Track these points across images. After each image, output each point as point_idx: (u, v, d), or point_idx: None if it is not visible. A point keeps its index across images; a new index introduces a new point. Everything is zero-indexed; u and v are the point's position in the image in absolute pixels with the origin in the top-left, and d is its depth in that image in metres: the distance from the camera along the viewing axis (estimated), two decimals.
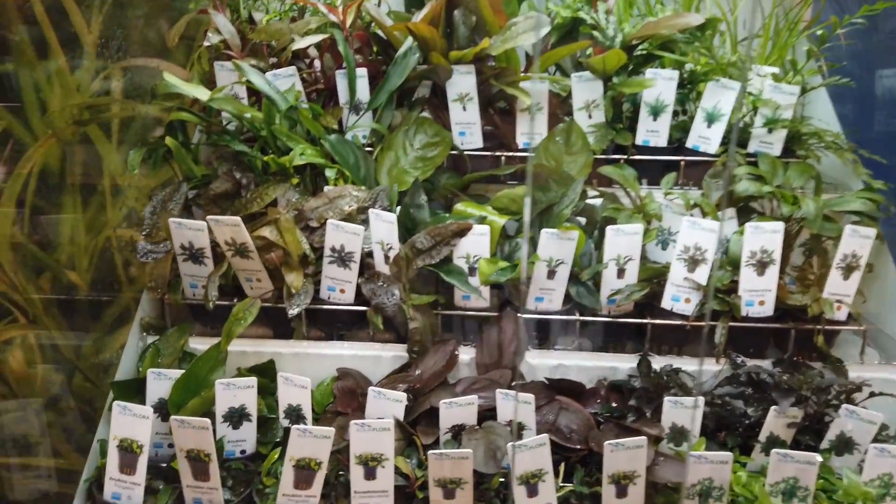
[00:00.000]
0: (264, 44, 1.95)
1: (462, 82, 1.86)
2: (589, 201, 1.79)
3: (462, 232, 1.59)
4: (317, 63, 2.05)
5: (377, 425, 1.34)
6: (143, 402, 1.50)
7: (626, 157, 1.92)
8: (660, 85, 1.84)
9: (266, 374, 1.64)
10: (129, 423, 1.38)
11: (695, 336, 1.67)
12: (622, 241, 1.61)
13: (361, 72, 1.87)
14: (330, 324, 1.71)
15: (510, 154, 1.93)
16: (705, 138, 1.93)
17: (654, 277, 1.66)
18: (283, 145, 1.75)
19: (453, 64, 1.81)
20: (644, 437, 1.34)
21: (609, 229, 1.60)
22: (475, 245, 1.61)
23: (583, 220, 1.78)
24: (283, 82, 1.84)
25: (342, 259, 1.62)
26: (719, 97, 1.89)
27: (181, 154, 1.67)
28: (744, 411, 1.52)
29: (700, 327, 1.64)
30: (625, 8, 2.03)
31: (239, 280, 1.66)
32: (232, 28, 1.84)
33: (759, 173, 1.82)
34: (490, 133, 1.99)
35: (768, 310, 1.62)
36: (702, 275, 1.63)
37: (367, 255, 1.68)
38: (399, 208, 1.77)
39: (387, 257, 1.65)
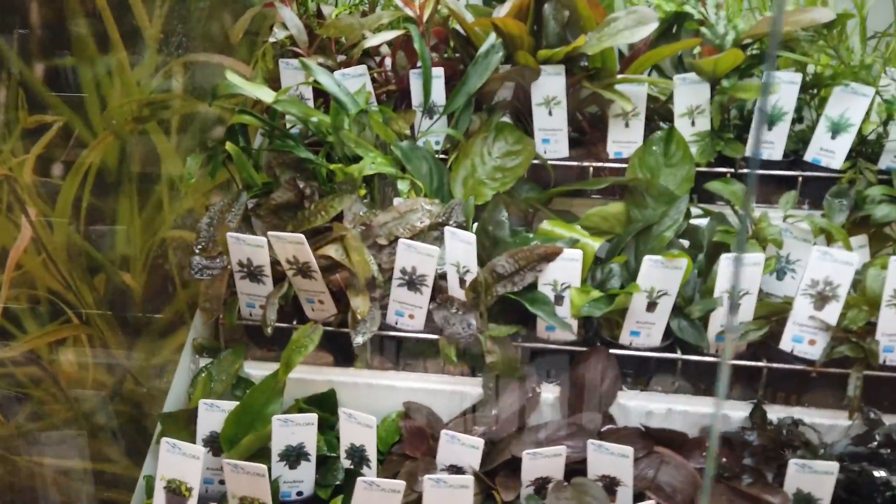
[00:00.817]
0: (332, 40, 1.79)
1: (550, 84, 1.66)
2: (692, 221, 1.57)
3: (550, 256, 1.39)
4: (387, 61, 1.89)
5: (454, 482, 1.16)
6: (193, 434, 1.37)
7: (733, 170, 1.69)
8: (779, 89, 1.60)
9: (325, 405, 1.48)
10: (179, 462, 1.24)
11: (819, 384, 1.44)
12: (738, 272, 1.39)
13: (437, 72, 1.70)
14: (395, 351, 1.54)
15: (599, 165, 1.73)
16: (828, 151, 1.68)
17: (774, 314, 1.43)
18: (350, 152, 1.59)
19: (541, 64, 1.62)
20: None
21: (724, 259, 1.37)
22: (564, 271, 1.41)
23: (685, 242, 1.56)
24: (353, 83, 1.68)
25: (413, 282, 1.45)
26: (847, 104, 1.63)
27: (242, 160, 1.53)
28: (885, 479, 1.28)
29: (826, 374, 1.41)
30: (736, 1, 1.80)
31: (299, 300, 1.51)
32: (299, 23, 1.69)
33: (889, 192, 1.56)
34: (576, 141, 1.78)
35: None
36: (831, 313, 1.39)
37: (440, 278, 1.50)
38: (476, 225, 1.58)
39: (462, 281, 1.47)
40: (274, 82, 1.78)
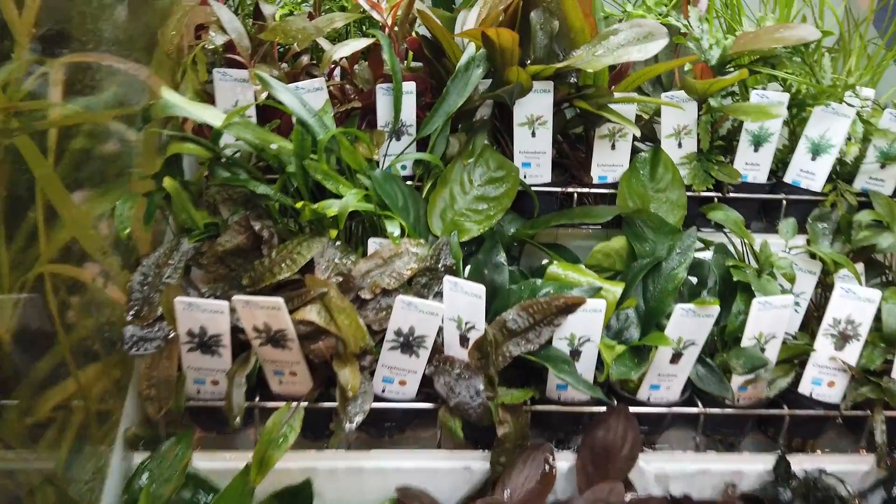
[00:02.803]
0: (275, 46, 1.49)
1: (536, 102, 1.48)
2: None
3: (571, 308, 1.21)
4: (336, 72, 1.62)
5: None
6: None
7: (720, 195, 1.60)
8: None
9: (298, 500, 1.22)
10: None
11: (833, 426, 1.37)
12: (768, 316, 1.28)
13: (409, 86, 1.46)
14: (379, 424, 1.30)
15: (584, 190, 1.57)
16: (808, 173, 1.63)
17: (796, 357, 1.35)
18: (315, 186, 1.32)
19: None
20: None
21: (756, 303, 1.26)
22: (584, 323, 1.23)
23: (692, 278, 1.44)
24: (310, 98, 1.40)
25: (409, 345, 1.22)
26: (828, 125, 1.58)
27: (182, 199, 1.21)
28: None
29: (846, 419, 1.34)
30: (722, 13, 1.70)
31: (263, 370, 1.23)
32: (240, 26, 1.38)
33: (878, 217, 1.53)
34: (555, 163, 1.61)
35: None
36: (852, 354, 1.32)
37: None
38: (468, 268, 1.37)
39: (464, 338, 1.26)
40: (205, 98, 1.45)
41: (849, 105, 1.57)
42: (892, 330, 1.33)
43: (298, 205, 1.26)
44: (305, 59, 1.52)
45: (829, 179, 1.62)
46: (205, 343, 1.17)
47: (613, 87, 1.53)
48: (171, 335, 1.17)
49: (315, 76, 1.51)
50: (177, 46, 1.36)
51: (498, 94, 1.41)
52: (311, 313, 1.14)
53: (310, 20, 1.54)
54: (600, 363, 1.28)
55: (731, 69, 1.63)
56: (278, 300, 1.08)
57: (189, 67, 1.35)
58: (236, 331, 1.18)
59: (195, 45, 1.39)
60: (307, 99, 1.39)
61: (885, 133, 1.58)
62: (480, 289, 1.20)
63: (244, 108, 1.22)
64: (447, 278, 1.23)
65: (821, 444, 1.40)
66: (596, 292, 1.24)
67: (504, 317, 1.23)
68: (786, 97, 1.55)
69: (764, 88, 1.61)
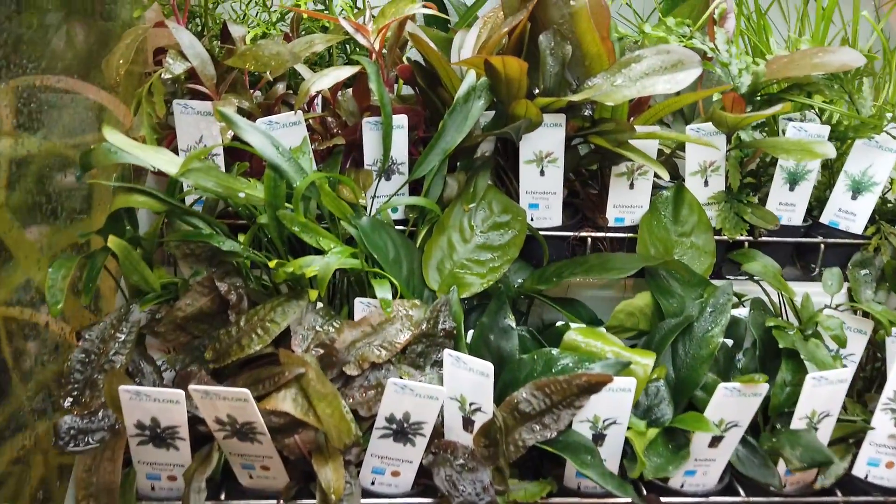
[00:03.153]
0: (246, 71, 1.30)
1: (545, 137, 1.29)
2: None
3: (595, 388, 1.02)
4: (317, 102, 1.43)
5: None
6: None
7: (751, 238, 1.42)
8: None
9: None
10: None
11: None
12: (822, 392, 1.09)
13: (400, 120, 1.27)
14: None
15: (600, 235, 1.39)
16: (848, 213, 1.45)
17: (851, 436, 1.17)
18: (293, 236, 1.13)
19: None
20: None
21: (810, 379, 1.07)
22: (610, 404, 1.05)
23: (728, 340, 1.26)
24: (286, 134, 1.21)
25: (404, 432, 1.03)
26: (871, 160, 1.41)
27: (132, 260, 1.02)
28: None
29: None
30: (747, 32, 1.53)
31: (229, 462, 1.03)
32: (203, 51, 1.19)
33: None
34: (565, 203, 1.43)
35: None
36: None
37: None
38: (471, 333, 1.18)
39: (468, 421, 1.07)
40: (164, 130, 1.26)
41: (894, 138, 1.40)
42: None
43: (272, 263, 1.07)
44: (281, 87, 1.33)
45: (872, 220, 1.44)
46: (158, 436, 0.97)
47: (633, 118, 1.36)
48: (118, 424, 0.97)
49: (292, 106, 1.33)
50: (128, 76, 1.16)
51: (504, 132, 1.22)
52: (286, 402, 0.95)
53: (286, 42, 1.35)
54: (628, 443, 1.09)
55: (761, 96, 1.46)
56: (244, 392, 0.89)
57: (144, 99, 1.16)
58: (196, 420, 0.98)
59: (154, 73, 1.20)
60: (283, 135, 1.21)
61: None
62: (488, 367, 1.01)
63: (204, 151, 1.03)
64: (448, 353, 1.04)
65: None
66: (624, 367, 1.05)
67: (516, 397, 1.04)
68: (826, 129, 1.38)
69: (802, 120, 1.44)
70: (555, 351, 1.11)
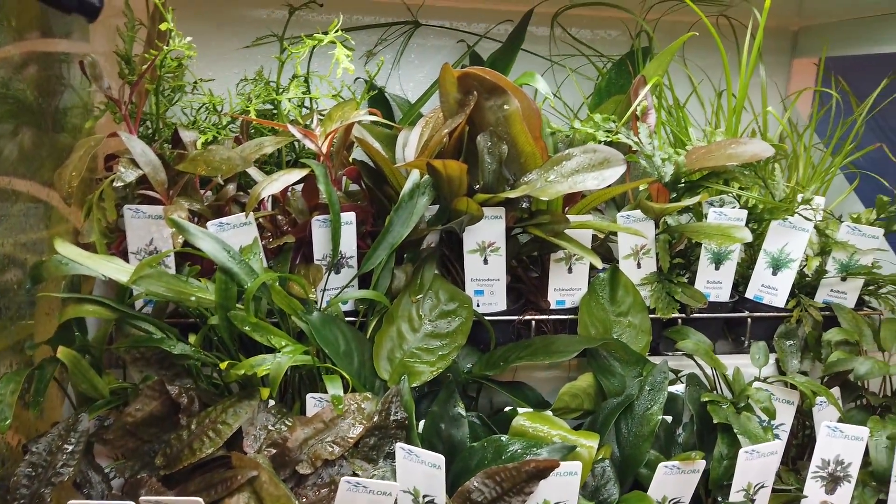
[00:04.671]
0: (197, 174, 1.35)
1: (487, 229, 1.37)
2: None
3: (543, 473, 1.06)
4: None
5: None
6: None
7: (684, 315, 1.51)
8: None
9: None
10: None
11: None
12: (756, 465, 1.16)
13: (348, 217, 1.33)
14: None
15: (543, 318, 1.45)
16: (770, 288, 1.56)
17: None
18: (244, 335, 1.15)
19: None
20: None
21: (743, 454, 1.14)
22: (558, 488, 1.08)
23: (668, 417, 1.32)
24: (236, 235, 1.25)
25: None
26: (787, 239, 1.53)
27: (82, 369, 1.02)
28: None
29: None
30: (668, 123, 1.66)
31: None
32: (155, 158, 1.23)
33: (847, 335, 1.46)
34: (509, 288, 1.50)
35: None
36: (844, 496, 1.21)
37: None
38: (422, 423, 1.21)
39: None
40: (113, 233, 1.29)
41: (805, 219, 1.52)
42: (882, 467, 1.23)
43: (223, 364, 1.09)
44: (232, 187, 1.38)
45: (792, 294, 1.55)
46: None
47: (567, 208, 1.45)
48: None
49: (243, 206, 1.37)
50: (82, 184, 1.19)
51: (449, 227, 1.29)
52: None
53: (237, 144, 1.41)
54: None
55: (684, 183, 1.58)
56: (196, 501, 0.89)
57: (95, 206, 1.19)
58: None
59: (106, 178, 1.23)
60: (234, 235, 1.25)
61: (843, 246, 1.54)
62: (439, 459, 1.04)
63: (155, 259, 1.05)
64: (400, 446, 1.07)
65: None
66: (570, 452, 1.10)
67: (468, 487, 1.07)
68: (743, 214, 1.50)
69: (721, 205, 1.56)
70: (504, 437, 1.15)
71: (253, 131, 1.52)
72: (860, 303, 1.58)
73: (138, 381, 1.12)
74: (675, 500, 1.11)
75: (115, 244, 1.28)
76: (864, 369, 1.32)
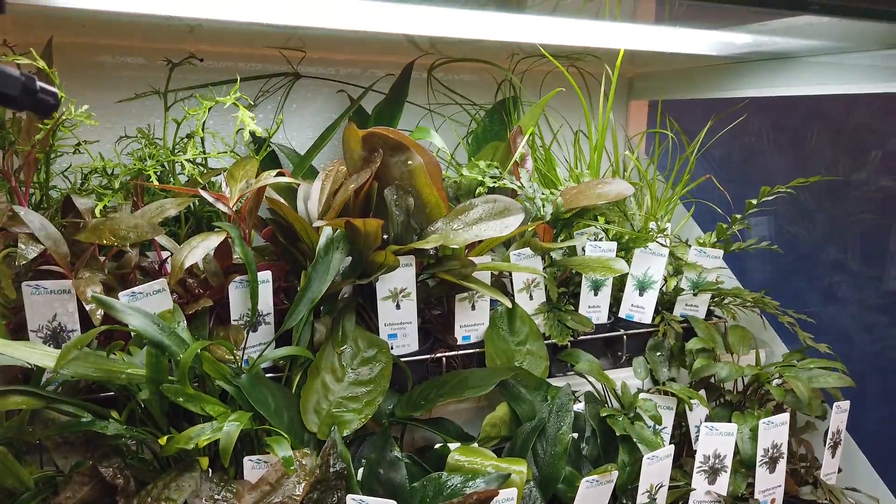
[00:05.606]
0: (96, 245, 1.30)
1: (399, 276, 1.45)
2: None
3: (486, 503, 1.15)
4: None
5: None
6: None
7: (573, 338, 1.68)
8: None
9: None
10: None
11: None
12: (655, 468, 1.33)
13: (264, 276, 1.34)
14: None
15: (452, 354, 1.55)
16: (639, 307, 1.78)
17: (680, 499, 1.41)
18: (173, 404, 1.13)
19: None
20: None
21: (646, 460, 1.30)
22: None
23: (574, 434, 1.47)
24: (150, 304, 1.22)
25: None
26: (649, 264, 1.76)
27: (7, 463, 0.96)
28: None
29: None
30: (540, 166, 1.84)
31: None
32: (55, 231, 1.17)
33: (705, 343, 1.71)
34: (419, 329, 1.58)
35: None
36: (722, 485, 1.43)
37: None
38: (360, 471, 1.25)
39: None
40: (13, 312, 1.20)
41: (662, 245, 1.76)
42: (748, 455, 1.46)
43: (162, 440, 1.07)
44: (134, 253, 1.34)
45: (657, 311, 1.78)
46: None
47: (469, 251, 1.56)
48: None
49: (148, 272, 1.34)
50: None
51: (371, 280, 1.35)
52: None
53: (135, 208, 1.38)
54: None
55: (562, 220, 1.76)
56: None
57: None
58: None
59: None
60: (148, 304, 1.22)
61: (693, 266, 1.79)
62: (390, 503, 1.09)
63: (80, 341, 1.01)
64: (350, 497, 1.11)
65: None
66: (506, 480, 1.20)
67: None
68: (614, 245, 1.71)
69: (597, 238, 1.76)
70: (443, 474, 1.23)
71: (151, 194, 1.48)
72: (709, 314, 1.84)
73: (62, 467, 1.06)
74: None
75: (14, 324, 1.20)
76: (725, 373, 1.56)
